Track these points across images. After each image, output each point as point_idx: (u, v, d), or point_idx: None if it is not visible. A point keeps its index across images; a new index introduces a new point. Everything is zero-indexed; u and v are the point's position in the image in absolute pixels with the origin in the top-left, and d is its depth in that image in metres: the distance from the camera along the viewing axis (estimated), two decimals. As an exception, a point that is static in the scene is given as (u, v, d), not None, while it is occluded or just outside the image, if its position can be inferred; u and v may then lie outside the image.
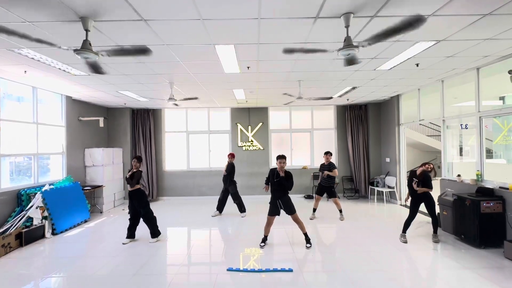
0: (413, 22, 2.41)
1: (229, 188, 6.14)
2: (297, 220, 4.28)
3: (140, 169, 4.64)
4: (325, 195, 5.95)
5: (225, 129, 8.51)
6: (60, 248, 4.44)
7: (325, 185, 5.78)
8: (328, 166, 5.74)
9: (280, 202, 4.24)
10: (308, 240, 4.28)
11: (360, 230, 5.07)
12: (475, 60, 4.22)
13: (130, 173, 4.57)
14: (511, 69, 4.05)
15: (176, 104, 5.73)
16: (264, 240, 4.36)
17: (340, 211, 5.88)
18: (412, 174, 4.50)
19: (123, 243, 4.53)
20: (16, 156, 5.21)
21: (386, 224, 5.44)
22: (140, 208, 4.59)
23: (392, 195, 7.45)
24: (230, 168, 6.15)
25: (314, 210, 5.96)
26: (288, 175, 4.21)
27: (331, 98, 5.96)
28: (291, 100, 6.38)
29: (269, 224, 4.32)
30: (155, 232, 4.67)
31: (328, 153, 5.82)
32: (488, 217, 4.04)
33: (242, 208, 6.17)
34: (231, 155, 6.24)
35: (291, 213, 4.23)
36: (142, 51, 2.99)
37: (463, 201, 4.34)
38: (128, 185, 4.56)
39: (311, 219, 5.83)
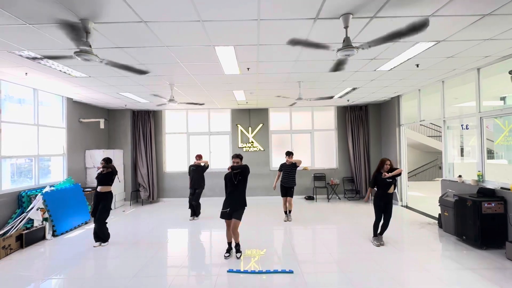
0: (418, 26, 2.44)
1: (199, 189, 6.11)
2: (236, 228, 3.92)
3: (115, 170, 4.60)
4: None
5: (226, 130, 8.51)
6: (61, 250, 4.44)
7: (287, 186, 5.80)
8: (291, 166, 5.77)
9: (231, 210, 3.92)
10: (238, 249, 4.01)
11: (361, 231, 5.06)
12: (476, 60, 4.22)
13: (100, 172, 4.49)
14: (511, 69, 4.04)
15: (173, 100, 5.52)
16: (229, 250, 4.03)
17: (290, 211, 5.89)
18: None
19: (94, 246, 4.49)
20: (17, 158, 5.22)
21: (387, 225, 5.41)
22: (104, 210, 4.48)
23: (393, 196, 7.41)
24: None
25: (286, 212, 5.94)
26: (244, 169, 3.92)
27: (332, 97, 5.93)
28: (292, 102, 6.37)
29: (227, 228, 4.00)
30: (106, 237, 4.58)
31: (291, 154, 5.86)
32: (489, 218, 4.02)
33: (198, 212, 6.18)
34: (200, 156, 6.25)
35: (238, 218, 3.92)
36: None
37: (464, 201, 4.33)
38: (100, 186, 4.49)
39: (285, 220, 5.82)
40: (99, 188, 4.51)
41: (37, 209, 4.86)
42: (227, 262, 3.81)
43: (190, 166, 6.21)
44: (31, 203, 4.97)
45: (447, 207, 4.81)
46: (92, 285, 3.27)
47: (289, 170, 5.80)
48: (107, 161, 4.60)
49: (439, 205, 5.08)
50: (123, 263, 3.86)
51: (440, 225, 5.09)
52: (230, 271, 3.52)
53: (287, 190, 5.82)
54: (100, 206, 4.48)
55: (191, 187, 6.13)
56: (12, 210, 4.89)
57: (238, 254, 3.95)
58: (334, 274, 3.48)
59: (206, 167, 6.23)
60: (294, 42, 3.24)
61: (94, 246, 4.47)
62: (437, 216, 5.35)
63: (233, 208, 3.95)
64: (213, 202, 7.06)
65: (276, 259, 3.87)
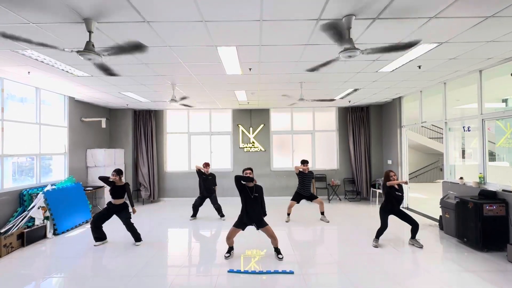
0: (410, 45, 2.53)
1: (213, 194, 6.11)
2: (271, 234, 3.89)
3: (128, 188, 4.60)
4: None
5: (227, 130, 8.52)
6: (62, 249, 4.45)
7: (306, 195, 5.77)
8: (310, 175, 5.79)
9: (253, 223, 3.93)
10: (279, 251, 3.96)
11: (361, 232, 5.05)
12: (478, 62, 4.21)
13: (112, 185, 4.48)
14: (514, 71, 4.04)
15: (175, 100, 5.44)
16: (230, 250, 4.03)
17: (322, 213, 5.88)
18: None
19: (95, 245, 4.49)
20: (19, 157, 5.24)
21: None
22: (127, 220, 4.53)
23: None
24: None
25: (288, 214, 5.94)
26: (260, 189, 3.98)
27: (334, 100, 5.94)
28: (293, 102, 6.38)
29: (231, 235, 3.97)
30: (138, 237, 4.59)
31: (307, 162, 5.80)
32: (491, 220, 4.01)
33: (221, 212, 6.15)
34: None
35: (264, 226, 3.91)
36: (138, 47, 2.99)
37: (465, 204, 4.32)
38: (113, 199, 4.48)
39: (287, 221, 5.83)
40: (113, 201, 4.51)
41: (38, 208, 4.87)
42: (227, 262, 3.81)
43: (202, 174, 6.02)
44: (32, 202, 4.98)
45: (448, 209, 4.81)
46: (93, 284, 3.28)
47: (308, 179, 5.75)
48: (119, 173, 4.56)
49: (440, 207, 5.07)
50: (123, 263, 3.87)
51: (441, 227, 5.08)
52: (230, 271, 3.53)
53: (303, 198, 5.80)
54: (123, 220, 4.51)
55: (201, 193, 6.06)
56: (14, 208, 4.91)
57: (280, 256, 3.90)
58: (334, 275, 3.48)
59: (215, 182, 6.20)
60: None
61: (94, 245, 4.49)
62: (438, 218, 5.34)
63: (255, 221, 3.93)
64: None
65: (276, 260, 3.87)
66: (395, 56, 3.87)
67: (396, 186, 4.31)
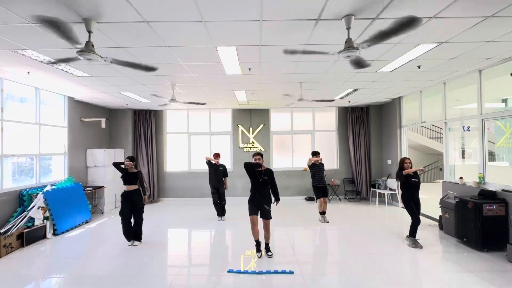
0: (409, 23, 2.44)
1: (222, 189, 6.04)
2: (268, 228, 4.01)
3: (141, 177, 4.63)
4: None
5: (227, 130, 8.52)
6: (61, 249, 4.44)
7: (322, 185, 5.76)
8: (322, 166, 5.80)
9: (262, 208, 3.97)
10: (269, 249, 4.03)
11: (361, 232, 5.05)
12: (478, 62, 4.21)
13: (124, 171, 4.51)
14: (513, 71, 4.03)
15: (175, 100, 5.29)
16: (258, 247, 4.01)
17: (325, 212, 5.85)
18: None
19: (128, 245, 4.48)
20: (19, 157, 5.23)
21: (387, 227, 5.41)
22: (140, 211, 4.52)
23: (394, 197, 7.42)
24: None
25: (321, 213, 5.84)
26: (270, 173, 4.03)
27: (333, 100, 5.94)
28: (292, 102, 6.37)
29: (254, 223, 3.96)
30: (139, 236, 4.59)
31: (318, 153, 5.83)
32: (490, 220, 4.01)
33: (224, 211, 6.10)
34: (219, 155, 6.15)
35: (267, 218, 4.00)
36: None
37: (465, 203, 4.32)
38: (126, 185, 4.50)
39: (321, 221, 5.77)
40: (126, 187, 4.52)
41: (38, 208, 4.86)
42: (227, 262, 3.81)
43: (212, 165, 5.98)
44: (32, 202, 4.98)
45: (448, 209, 4.81)
46: (93, 284, 3.28)
47: (321, 170, 5.77)
48: (132, 159, 4.60)
49: (440, 207, 5.08)
50: (123, 263, 3.87)
51: (441, 227, 5.09)
52: (230, 271, 3.52)
53: (322, 190, 5.77)
54: (136, 210, 4.49)
55: (213, 187, 5.97)
56: (13, 208, 4.90)
57: (270, 253, 3.96)
58: (334, 275, 3.48)
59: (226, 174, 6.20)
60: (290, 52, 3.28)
61: (129, 245, 4.46)
62: (438, 218, 5.34)
63: (261, 208, 3.98)
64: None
65: (276, 260, 3.87)
66: (396, 56, 3.87)
67: (411, 173, 4.30)
